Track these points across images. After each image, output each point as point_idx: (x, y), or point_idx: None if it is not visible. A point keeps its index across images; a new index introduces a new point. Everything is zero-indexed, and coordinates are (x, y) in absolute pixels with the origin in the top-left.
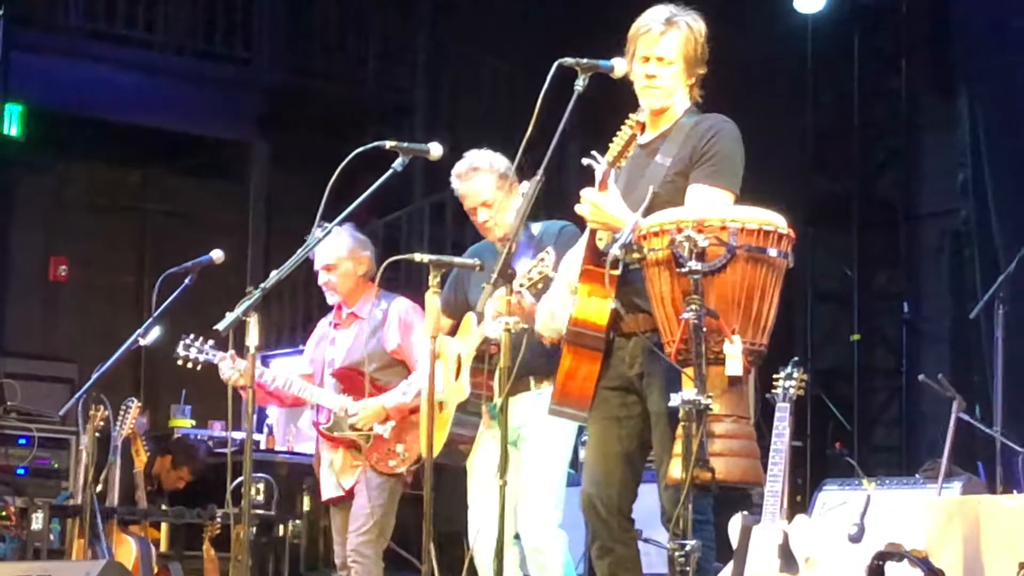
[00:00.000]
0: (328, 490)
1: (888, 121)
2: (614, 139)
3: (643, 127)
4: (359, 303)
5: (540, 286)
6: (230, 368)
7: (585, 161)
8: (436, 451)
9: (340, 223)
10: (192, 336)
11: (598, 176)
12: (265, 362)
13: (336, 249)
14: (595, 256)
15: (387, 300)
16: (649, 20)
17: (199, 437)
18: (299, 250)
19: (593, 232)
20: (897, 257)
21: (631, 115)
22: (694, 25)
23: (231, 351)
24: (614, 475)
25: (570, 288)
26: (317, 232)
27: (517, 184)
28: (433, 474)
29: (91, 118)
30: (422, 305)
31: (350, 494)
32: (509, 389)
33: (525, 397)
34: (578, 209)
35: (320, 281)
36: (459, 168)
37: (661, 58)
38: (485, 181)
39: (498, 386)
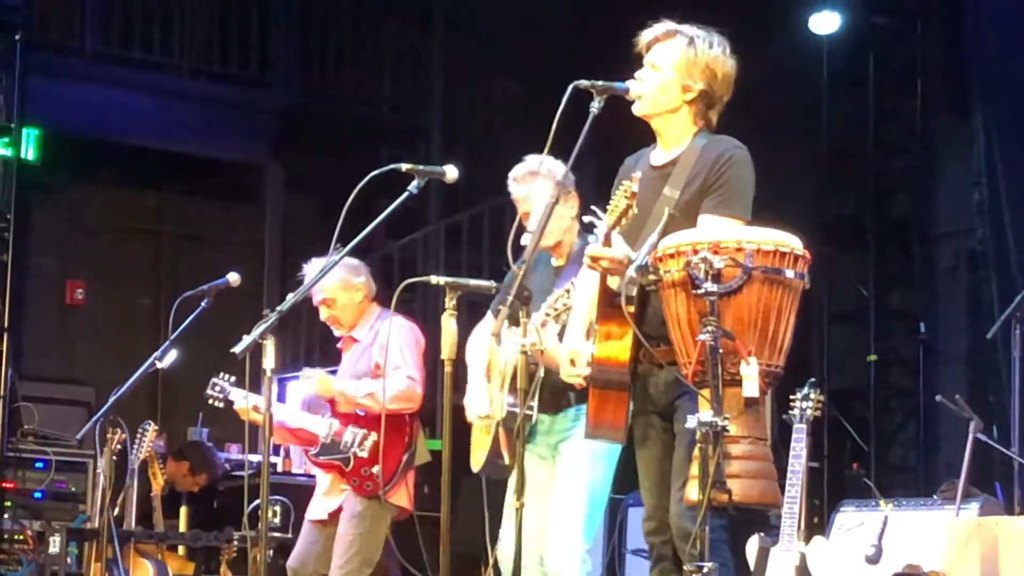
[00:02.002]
0: (315, 511)
1: (903, 141)
2: (610, 204)
3: (635, 196)
4: (358, 326)
5: (565, 317)
6: (243, 399)
7: (586, 219)
8: (478, 466)
9: (356, 245)
10: (223, 375)
11: (600, 234)
12: (282, 384)
13: (328, 283)
14: (609, 299)
15: (381, 319)
16: (654, 28)
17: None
18: (316, 272)
19: (603, 276)
20: (913, 277)
21: (624, 183)
22: (699, 42)
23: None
24: (666, 500)
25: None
26: (334, 255)
27: (574, 194)
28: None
29: (107, 141)
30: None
31: (332, 517)
32: (551, 405)
33: (565, 415)
34: (587, 265)
35: (322, 318)
36: (517, 171)
37: (652, 64)
38: (541, 187)
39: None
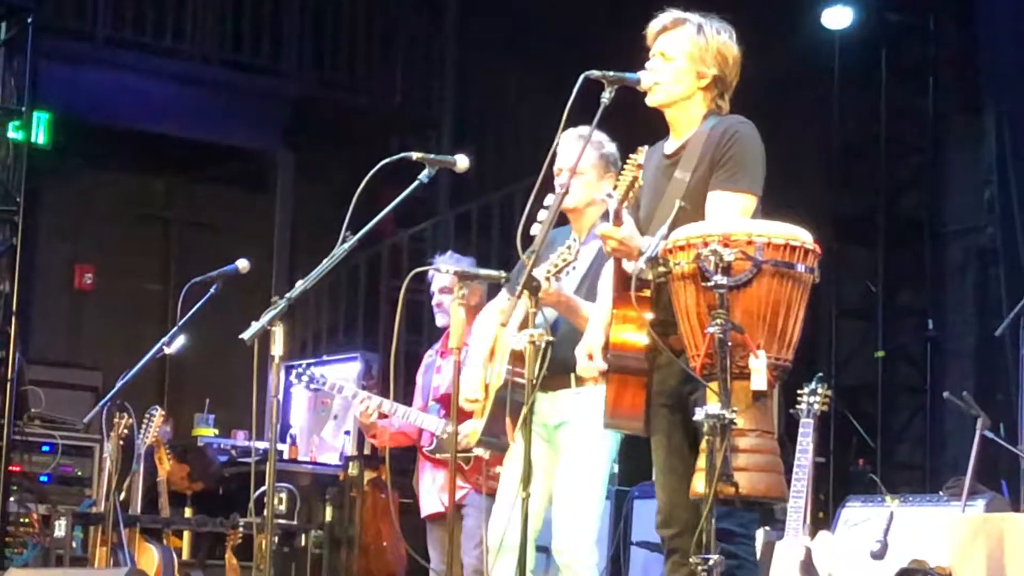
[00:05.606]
0: (430, 505)
1: (914, 138)
2: (619, 179)
3: (641, 167)
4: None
5: (565, 273)
6: (361, 403)
7: (599, 197)
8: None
9: (366, 234)
10: (303, 366)
11: (611, 211)
12: (288, 372)
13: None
14: (623, 282)
15: None
16: (661, 17)
17: (222, 446)
18: (325, 260)
19: (618, 259)
20: (922, 274)
21: (631, 156)
22: (707, 28)
23: (360, 391)
24: (682, 492)
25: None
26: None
27: (614, 174)
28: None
29: (117, 127)
30: None
31: (447, 511)
32: (550, 384)
33: (565, 394)
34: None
35: (437, 302)
36: (568, 133)
37: (663, 53)
38: (585, 151)
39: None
